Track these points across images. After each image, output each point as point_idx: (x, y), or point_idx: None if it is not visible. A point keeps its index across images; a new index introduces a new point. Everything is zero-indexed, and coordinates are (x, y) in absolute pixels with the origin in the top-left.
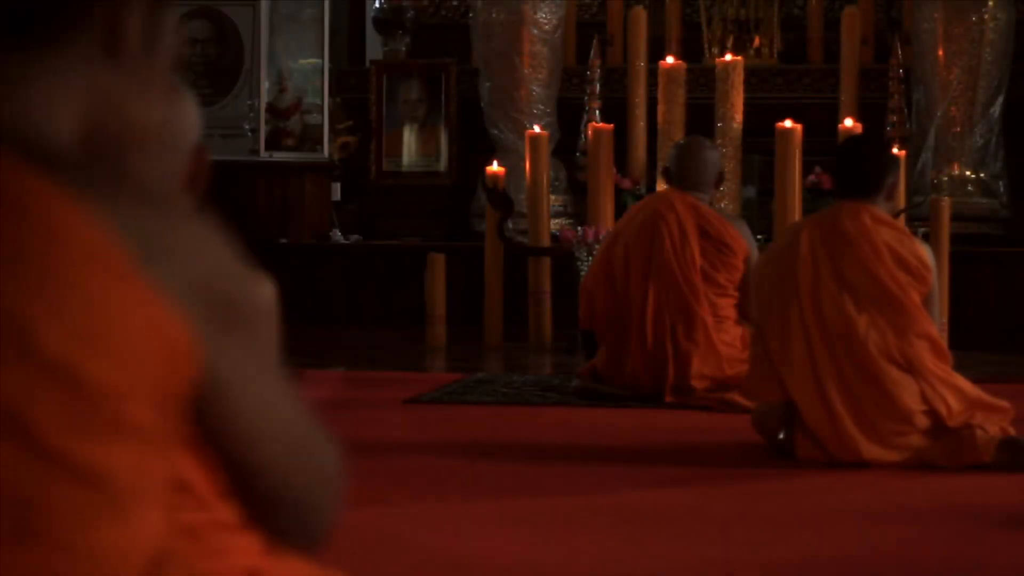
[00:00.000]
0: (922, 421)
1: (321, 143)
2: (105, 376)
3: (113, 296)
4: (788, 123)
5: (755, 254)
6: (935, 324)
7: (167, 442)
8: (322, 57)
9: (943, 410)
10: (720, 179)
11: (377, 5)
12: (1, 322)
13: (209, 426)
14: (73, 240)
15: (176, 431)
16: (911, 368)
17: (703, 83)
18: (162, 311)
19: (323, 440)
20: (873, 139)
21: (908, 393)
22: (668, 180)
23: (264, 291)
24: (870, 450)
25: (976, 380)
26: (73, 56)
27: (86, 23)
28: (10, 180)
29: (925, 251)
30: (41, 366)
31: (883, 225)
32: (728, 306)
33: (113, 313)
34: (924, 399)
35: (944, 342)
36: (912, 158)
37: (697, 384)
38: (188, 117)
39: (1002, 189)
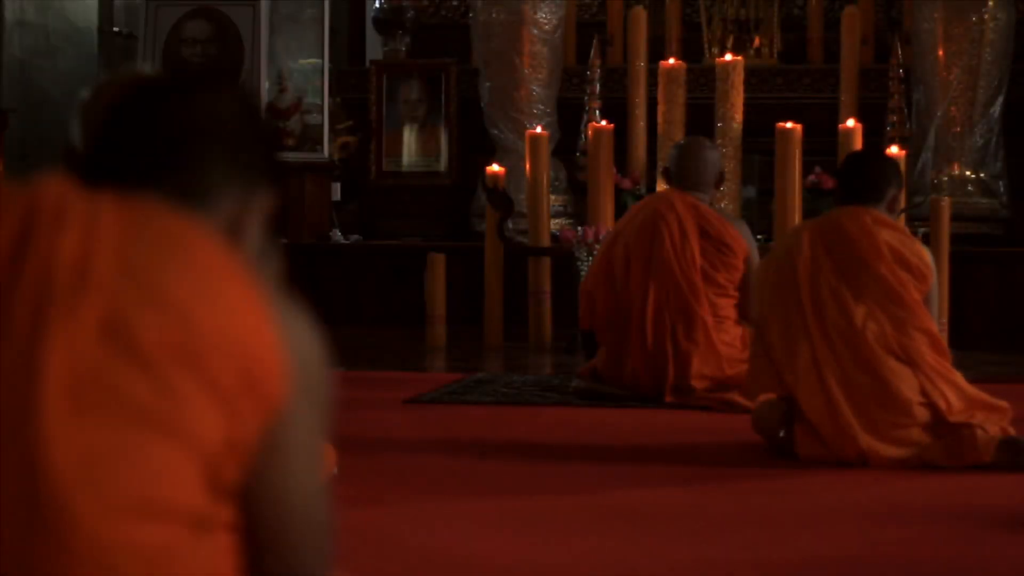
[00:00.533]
0: (921, 413)
1: (321, 143)
2: (215, 329)
3: (238, 293)
4: (788, 123)
5: (755, 254)
6: (935, 324)
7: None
8: (322, 57)
9: (942, 404)
10: (720, 179)
11: (377, 5)
12: (138, 279)
13: (254, 484)
14: (219, 256)
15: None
16: (910, 361)
17: (703, 83)
18: (271, 333)
19: (329, 530)
20: (875, 152)
21: (906, 384)
22: (668, 180)
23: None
24: (869, 443)
25: (976, 380)
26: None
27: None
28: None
29: (926, 252)
30: (159, 304)
31: (884, 226)
32: (728, 306)
33: (235, 299)
34: (923, 392)
35: (944, 341)
36: (912, 158)
37: (697, 384)
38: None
39: (1002, 189)
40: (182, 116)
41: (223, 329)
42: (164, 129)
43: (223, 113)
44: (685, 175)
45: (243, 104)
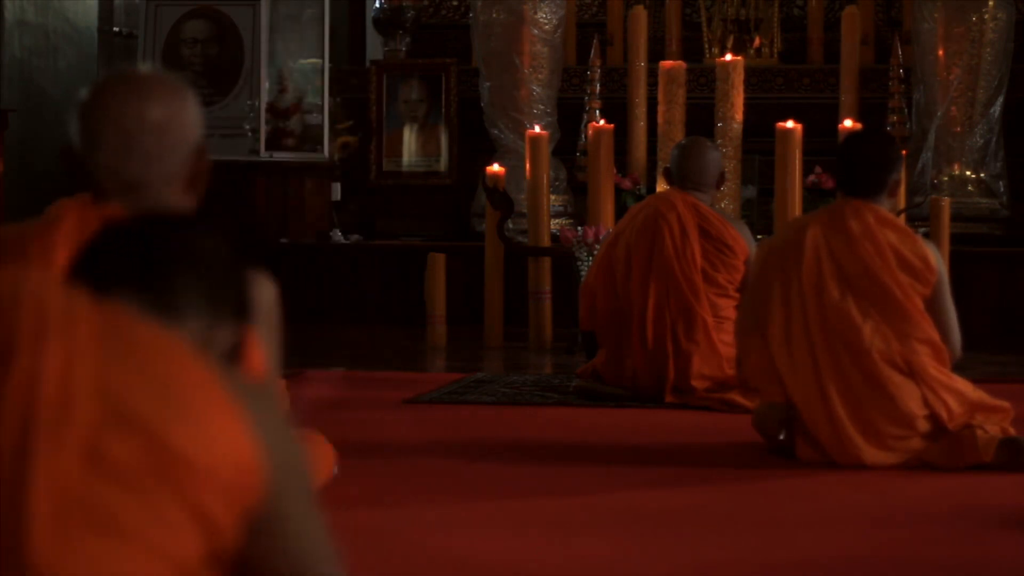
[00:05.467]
0: (923, 425)
1: (321, 143)
2: (185, 448)
3: (209, 407)
4: (788, 123)
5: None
6: (951, 345)
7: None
8: (322, 57)
9: (944, 414)
10: (721, 179)
11: (377, 5)
12: (109, 397)
13: (253, 555)
14: (189, 367)
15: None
16: (912, 373)
17: (703, 83)
18: (245, 438)
19: None
20: (876, 136)
21: (910, 397)
22: (669, 180)
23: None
24: (869, 453)
25: (976, 380)
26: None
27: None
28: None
29: (931, 252)
30: (128, 422)
31: (887, 226)
32: (728, 307)
33: (205, 414)
34: (926, 403)
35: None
36: (912, 158)
37: (697, 384)
38: None
39: (1002, 189)
40: (163, 244)
41: (195, 446)
42: (144, 250)
43: (200, 247)
44: (686, 175)
45: (222, 242)
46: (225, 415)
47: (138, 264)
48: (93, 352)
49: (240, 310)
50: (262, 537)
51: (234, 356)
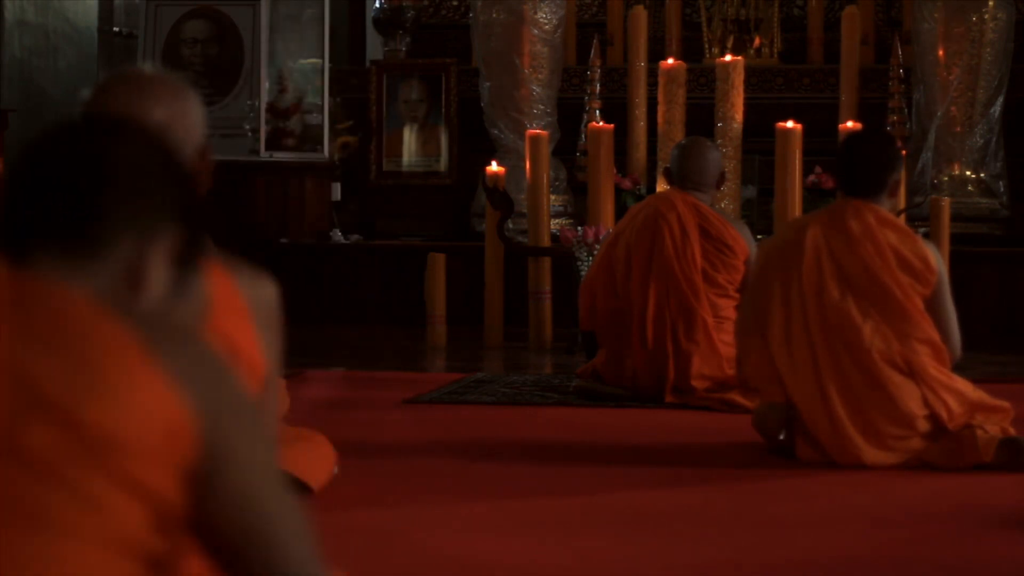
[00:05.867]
0: (923, 426)
1: (321, 143)
2: (105, 425)
3: (126, 376)
4: (788, 123)
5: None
6: (951, 346)
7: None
8: (322, 57)
9: (944, 414)
10: (722, 179)
11: (377, 5)
12: (22, 383)
13: (205, 508)
14: (103, 335)
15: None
16: (912, 373)
17: (703, 83)
18: (170, 396)
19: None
20: (876, 136)
21: (910, 398)
22: (669, 180)
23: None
24: (869, 453)
25: (976, 380)
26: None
27: (108, 259)
28: (65, 302)
29: (931, 252)
30: (42, 408)
31: (888, 227)
32: (729, 307)
33: (122, 384)
34: (926, 404)
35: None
36: (912, 158)
37: (697, 384)
38: None
39: (1002, 189)
40: (75, 165)
41: (115, 420)
42: (57, 180)
43: (117, 158)
44: (686, 175)
45: (142, 147)
46: (145, 378)
47: (54, 200)
48: (6, 333)
49: (183, 211)
50: (209, 489)
51: (187, 260)
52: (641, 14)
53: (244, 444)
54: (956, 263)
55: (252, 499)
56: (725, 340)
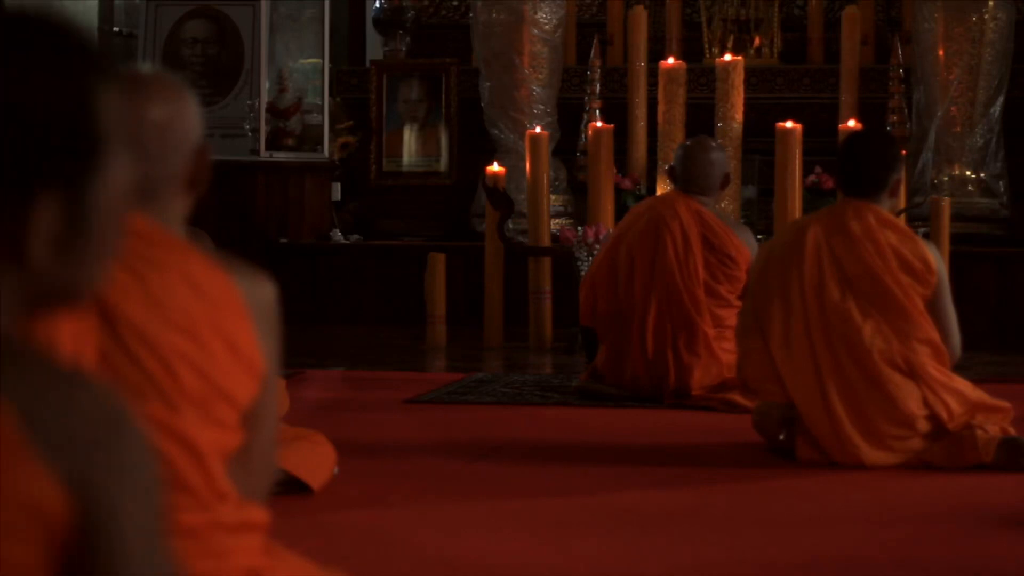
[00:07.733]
0: (923, 426)
1: (321, 143)
2: None
3: None
4: (788, 123)
5: None
6: (951, 347)
7: None
8: (322, 57)
9: (944, 414)
10: (726, 181)
11: (377, 5)
12: None
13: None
14: None
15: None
16: (912, 373)
17: (703, 83)
18: (37, 474)
19: None
20: (878, 136)
21: (911, 398)
22: (673, 180)
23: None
24: (869, 454)
25: (976, 380)
26: None
27: None
28: None
29: (931, 253)
30: None
31: (888, 227)
32: (730, 316)
33: None
34: (926, 404)
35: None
36: (912, 158)
37: (698, 394)
38: None
39: (1002, 189)
40: None
41: None
42: None
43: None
44: (691, 177)
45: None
46: (11, 460)
47: None
48: None
49: (52, 175)
50: (80, 560)
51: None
52: (641, 14)
53: (124, 510)
54: (956, 263)
55: (124, 568)
56: (726, 348)
